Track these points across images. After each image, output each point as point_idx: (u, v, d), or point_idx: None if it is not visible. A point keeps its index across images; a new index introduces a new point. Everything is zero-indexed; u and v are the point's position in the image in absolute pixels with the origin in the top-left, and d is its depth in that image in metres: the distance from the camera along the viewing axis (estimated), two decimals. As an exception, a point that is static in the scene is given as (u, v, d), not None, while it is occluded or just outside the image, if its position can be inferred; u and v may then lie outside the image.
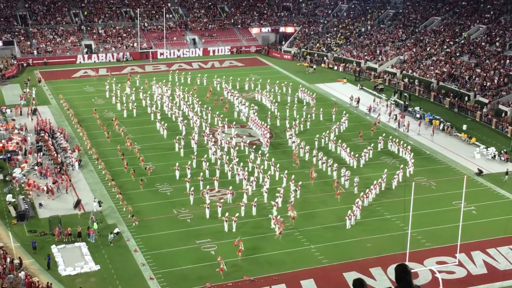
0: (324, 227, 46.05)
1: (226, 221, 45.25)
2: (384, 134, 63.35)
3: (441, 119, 68.85)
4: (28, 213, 47.44)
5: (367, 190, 50.33)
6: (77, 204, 48.62)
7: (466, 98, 75.72)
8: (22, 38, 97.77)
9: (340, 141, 61.56)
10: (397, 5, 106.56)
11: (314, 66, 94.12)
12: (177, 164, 54.72)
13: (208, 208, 47.52)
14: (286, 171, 53.48)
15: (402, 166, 55.90)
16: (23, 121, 66.82)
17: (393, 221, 47.28)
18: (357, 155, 57.89)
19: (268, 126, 65.54)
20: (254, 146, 60.68)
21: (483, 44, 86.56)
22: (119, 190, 51.19)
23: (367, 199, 49.58)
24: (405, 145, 60.82)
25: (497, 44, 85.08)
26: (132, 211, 47.49)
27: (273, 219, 45.92)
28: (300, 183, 51.71)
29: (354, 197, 49.72)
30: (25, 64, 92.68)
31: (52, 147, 59.38)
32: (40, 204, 48.80)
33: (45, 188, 50.87)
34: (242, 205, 47.78)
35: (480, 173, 56.13)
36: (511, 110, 70.10)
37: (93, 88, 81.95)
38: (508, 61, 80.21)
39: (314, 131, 65.70)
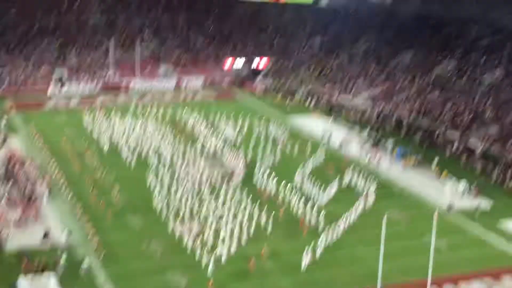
0: (292, 262, 45.83)
1: (205, 255, 44.93)
2: (351, 168, 63.62)
3: (412, 154, 69.30)
4: (-5, 245, 46.60)
5: (333, 225, 50.29)
6: (46, 235, 47.89)
7: (436, 134, 76.46)
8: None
9: (308, 175, 61.65)
10: (369, 40, 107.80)
11: (289, 100, 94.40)
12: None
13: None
14: (258, 201, 53.39)
15: (364, 196, 56.18)
16: (-8, 151, 65.99)
17: (364, 255, 47.22)
18: (324, 190, 57.94)
19: (241, 159, 65.41)
20: (226, 178, 60.50)
21: (453, 79, 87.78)
22: (89, 221, 50.59)
23: (333, 235, 49.41)
24: (371, 178, 61.06)
25: (468, 80, 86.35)
26: (96, 244, 46.83)
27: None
28: (272, 216, 51.56)
29: (320, 232, 49.57)
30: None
31: (21, 177, 58.61)
32: (8, 235, 47.95)
33: (13, 219, 50.05)
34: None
35: (450, 208, 56.48)
36: (480, 146, 70.88)
37: (64, 118, 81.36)
38: (477, 96, 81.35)
39: (285, 165, 65.84)
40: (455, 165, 69.15)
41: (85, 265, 43.83)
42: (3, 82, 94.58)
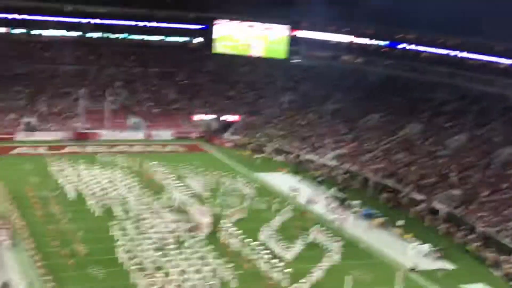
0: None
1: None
2: (317, 225, 63.87)
3: (378, 214, 69.84)
4: (-48, 293, 45.60)
5: (298, 283, 50.17)
6: (5, 285, 46.98)
7: (401, 195, 77.32)
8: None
9: (274, 231, 61.70)
10: (338, 101, 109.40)
11: (258, 156, 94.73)
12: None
13: None
14: (223, 257, 53.11)
15: (328, 255, 56.40)
16: (-45, 196, 64.98)
17: (327, 314, 47.12)
18: (289, 247, 57.92)
19: (208, 213, 65.19)
20: (191, 232, 60.23)
21: (418, 142, 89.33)
22: (50, 271, 49.82)
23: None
24: (334, 237, 61.27)
25: (433, 143, 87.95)
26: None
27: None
28: (238, 272, 51.33)
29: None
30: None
31: (-17, 224, 57.73)
32: (-34, 284, 47.01)
33: (-28, 267, 49.14)
34: None
35: (414, 269, 56.80)
36: (444, 209, 71.77)
37: (30, 165, 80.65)
38: (442, 160, 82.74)
39: (252, 220, 65.85)
40: (419, 226, 69.78)
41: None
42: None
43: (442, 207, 72.16)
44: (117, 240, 56.86)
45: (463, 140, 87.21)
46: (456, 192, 74.80)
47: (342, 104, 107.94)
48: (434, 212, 72.13)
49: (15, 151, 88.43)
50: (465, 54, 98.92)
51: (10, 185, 71.12)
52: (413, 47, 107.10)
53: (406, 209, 74.40)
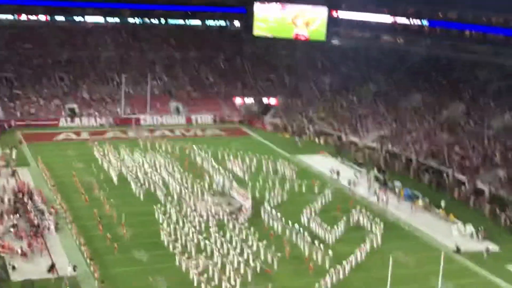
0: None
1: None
2: (358, 207, 63.58)
3: (420, 195, 69.17)
4: (1, 276, 46.59)
5: (340, 265, 50.07)
6: (51, 268, 47.88)
7: (445, 176, 76.44)
8: (6, 100, 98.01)
9: (316, 214, 61.61)
10: (379, 81, 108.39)
11: (297, 138, 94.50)
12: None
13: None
14: (264, 241, 53.27)
15: (371, 237, 56.12)
16: (1, 182, 66.25)
17: (370, 296, 46.96)
18: (330, 229, 57.73)
19: (249, 196, 65.39)
20: (233, 215, 60.52)
21: (461, 123, 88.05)
22: (95, 254, 50.61)
23: (337, 276, 49.10)
24: (376, 219, 60.88)
25: (476, 123, 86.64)
26: (100, 278, 46.69)
27: None
28: (279, 254, 51.45)
29: (325, 272, 49.31)
30: (7, 126, 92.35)
31: (29, 209, 58.84)
32: (14, 267, 47.97)
33: (19, 251, 50.14)
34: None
35: (458, 250, 56.22)
36: (489, 189, 70.74)
37: (74, 151, 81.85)
38: (486, 140, 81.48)
39: (293, 203, 65.88)
40: (463, 207, 68.97)
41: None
42: (15, 115, 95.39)
43: (486, 188, 71.12)
44: (161, 223, 57.44)
45: (507, 119, 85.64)
46: (501, 172, 73.61)
47: (383, 85, 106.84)
48: (479, 193, 71.14)
49: (59, 137, 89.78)
50: (508, 32, 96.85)
51: (55, 171, 72.34)
52: (455, 25, 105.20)
53: (450, 190, 73.55)
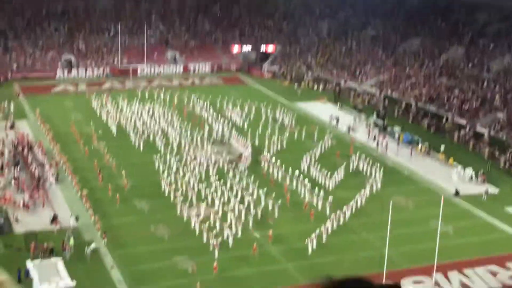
0: (298, 247, 45.95)
1: (212, 238, 45.03)
2: (358, 153, 63.72)
3: (420, 140, 69.22)
4: (4, 228, 46.93)
5: (340, 210, 50.39)
6: (54, 219, 48.18)
7: (444, 119, 76.36)
8: (1, 52, 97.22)
9: (315, 160, 61.71)
10: (377, 26, 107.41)
11: (296, 86, 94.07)
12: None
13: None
14: (265, 189, 53.48)
15: (371, 182, 56.39)
16: (0, 135, 66.20)
17: (371, 240, 47.37)
18: (330, 175, 57.87)
19: (248, 144, 65.46)
20: (233, 163, 60.67)
21: (461, 66, 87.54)
22: (96, 205, 50.89)
23: (339, 220, 49.45)
24: (376, 164, 61.00)
25: (475, 66, 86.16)
26: (102, 228, 47.01)
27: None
28: (279, 201, 51.71)
29: (326, 217, 49.65)
30: (3, 78, 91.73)
31: (29, 161, 58.91)
32: (16, 219, 48.27)
33: (21, 203, 50.39)
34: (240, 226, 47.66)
35: (457, 193, 56.53)
36: (488, 132, 70.77)
37: (72, 102, 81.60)
38: (485, 83, 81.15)
39: (293, 150, 65.98)
40: (462, 151, 69.13)
41: (91, 248, 44.14)
42: (11, 67, 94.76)
43: (486, 131, 71.12)
44: (161, 173, 57.59)
45: (507, 62, 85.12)
46: (500, 115, 73.52)
47: (381, 30, 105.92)
48: (478, 136, 71.18)
49: (57, 89, 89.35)
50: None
51: (54, 123, 72.20)
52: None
53: (449, 134, 73.58)
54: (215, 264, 42.06)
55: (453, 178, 60.30)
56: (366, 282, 2.59)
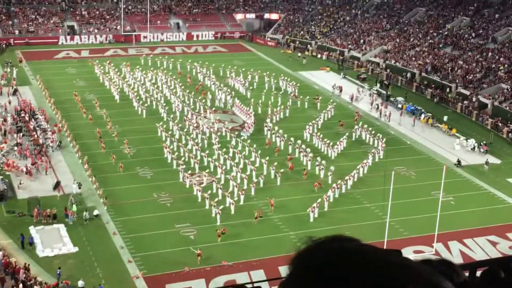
0: (301, 215, 46.15)
1: (214, 206, 45.21)
2: (361, 123, 63.69)
3: (423, 110, 69.05)
4: (7, 194, 47.16)
5: (342, 180, 50.50)
6: (57, 185, 48.40)
7: (448, 90, 76.13)
8: (3, 18, 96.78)
9: (316, 130, 61.61)
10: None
11: (300, 55, 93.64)
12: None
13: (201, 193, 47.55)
14: (267, 158, 53.53)
15: (373, 151, 56.47)
16: (3, 101, 66.19)
17: (372, 209, 47.56)
18: (332, 145, 57.79)
19: (251, 112, 65.36)
20: (236, 132, 60.68)
21: (466, 36, 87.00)
22: (99, 172, 51.07)
23: (338, 190, 49.56)
24: (378, 134, 60.87)
25: (480, 36, 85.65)
26: (103, 194, 47.25)
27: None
28: (282, 170, 51.82)
29: (328, 186, 49.78)
30: (5, 44, 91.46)
31: (32, 127, 58.96)
32: (20, 185, 48.48)
33: (24, 169, 50.55)
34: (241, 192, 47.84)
35: (459, 163, 56.56)
36: (491, 103, 70.58)
37: (75, 69, 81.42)
38: (490, 53, 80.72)
39: (296, 119, 65.93)
40: (466, 121, 69.03)
41: (94, 214, 44.41)
42: (13, 33, 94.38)
43: (489, 102, 70.91)
44: (163, 140, 57.64)
45: (511, 32, 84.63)
46: (504, 85, 73.23)
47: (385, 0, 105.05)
48: (482, 106, 70.99)
49: (60, 55, 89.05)
50: None
51: (56, 89, 72.10)
52: None
53: (453, 105, 73.41)
54: (218, 231, 42.27)
55: (456, 149, 60.28)
56: (348, 239, 2.48)
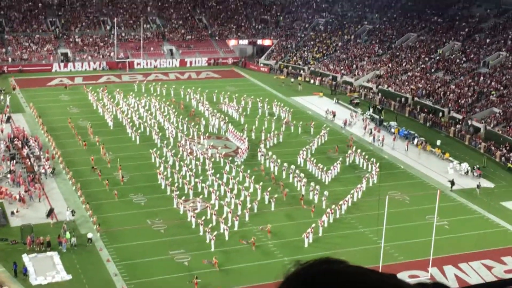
0: (296, 240, 46.03)
1: (209, 232, 45.07)
2: (354, 148, 63.84)
3: (416, 135, 69.26)
4: (0, 221, 46.91)
5: (336, 205, 50.45)
6: (50, 213, 48.18)
7: (440, 114, 76.47)
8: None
9: (309, 155, 61.67)
10: (373, 21, 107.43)
11: (293, 80, 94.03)
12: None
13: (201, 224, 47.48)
14: (261, 183, 53.50)
15: (367, 176, 56.49)
16: (-3, 129, 66.13)
17: (367, 234, 47.48)
18: (326, 170, 57.79)
19: (245, 138, 65.44)
20: (229, 158, 60.68)
21: (457, 60, 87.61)
22: (93, 199, 50.91)
23: (332, 215, 49.50)
24: (372, 159, 60.96)
25: (472, 61, 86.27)
26: (97, 221, 47.10)
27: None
28: (275, 196, 51.78)
29: (323, 212, 49.71)
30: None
31: (25, 155, 58.85)
32: (12, 213, 48.26)
33: (18, 196, 50.35)
34: (236, 218, 47.72)
35: (452, 183, 56.55)
36: (484, 127, 70.89)
37: (68, 96, 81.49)
38: (482, 78, 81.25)
39: (289, 144, 66.02)
40: (459, 145, 69.25)
41: (88, 242, 44.19)
42: (7, 61, 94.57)
43: (482, 126, 71.23)
44: (157, 167, 57.56)
45: (503, 56, 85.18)
46: (496, 110, 73.63)
47: (377, 24, 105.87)
48: (474, 130, 71.28)
49: (53, 82, 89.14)
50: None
51: (50, 116, 72.10)
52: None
53: (446, 129, 73.69)
54: (214, 258, 42.10)
55: (450, 173, 60.37)
56: (336, 261, 2.49)
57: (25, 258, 41.95)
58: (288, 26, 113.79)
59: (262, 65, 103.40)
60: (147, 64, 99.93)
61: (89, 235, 44.69)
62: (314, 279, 2.43)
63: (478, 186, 56.71)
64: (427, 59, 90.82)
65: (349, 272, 2.45)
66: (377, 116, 75.55)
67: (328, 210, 49.51)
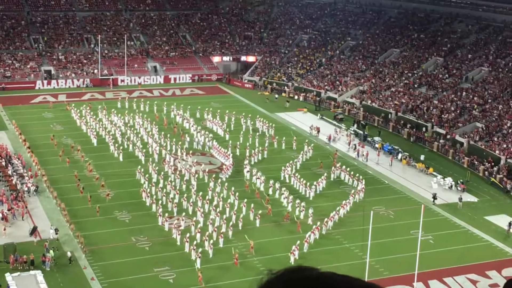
0: (281, 256, 45.97)
1: (194, 249, 44.90)
2: (339, 163, 63.95)
3: (400, 150, 69.56)
4: (-18, 240, 46.48)
5: (321, 220, 50.46)
6: (33, 231, 47.80)
7: (424, 129, 76.90)
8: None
9: (294, 171, 61.72)
10: (357, 37, 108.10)
11: (277, 96, 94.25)
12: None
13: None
14: (245, 200, 53.44)
15: (352, 192, 56.59)
16: (-21, 147, 65.61)
17: (352, 249, 47.51)
18: (311, 186, 57.82)
19: (229, 155, 65.40)
20: (213, 174, 60.57)
21: (440, 76, 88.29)
22: (76, 216, 50.57)
23: (321, 230, 49.53)
24: (357, 174, 61.10)
25: (454, 76, 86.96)
26: (80, 239, 46.82)
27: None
28: (260, 211, 51.71)
29: (308, 228, 49.72)
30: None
31: (9, 173, 58.43)
32: (3, 231, 47.78)
33: (0, 215, 49.92)
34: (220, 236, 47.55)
35: (434, 197, 56.86)
36: (467, 141, 71.35)
37: (52, 114, 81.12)
38: (464, 93, 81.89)
39: (273, 160, 66.04)
40: (442, 159, 69.61)
41: (71, 260, 43.84)
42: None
43: (465, 140, 71.68)
44: (141, 184, 57.35)
45: (485, 72, 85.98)
46: (479, 124, 74.18)
47: (361, 40, 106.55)
48: (457, 145, 71.70)
49: (37, 99, 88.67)
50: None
51: (33, 134, 71.70)
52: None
53: (429, 144, 74.07)
54: (199, 274, 41.92)
55: (434, 188, 60.64)
56: (308, 269, 2.51)
57: (8, 277, 41.52)
58: (271, 42, 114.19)
59: (246, 81, 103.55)
60: (131, 81, 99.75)
61: (69, 254, 44.27)
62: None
63: (460, 199, 57.08)
64: (410, 74, 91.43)
65: (317, 277, 2.49)
66: (361, 132, 75.86)
67: (314, 227, 49.48)
